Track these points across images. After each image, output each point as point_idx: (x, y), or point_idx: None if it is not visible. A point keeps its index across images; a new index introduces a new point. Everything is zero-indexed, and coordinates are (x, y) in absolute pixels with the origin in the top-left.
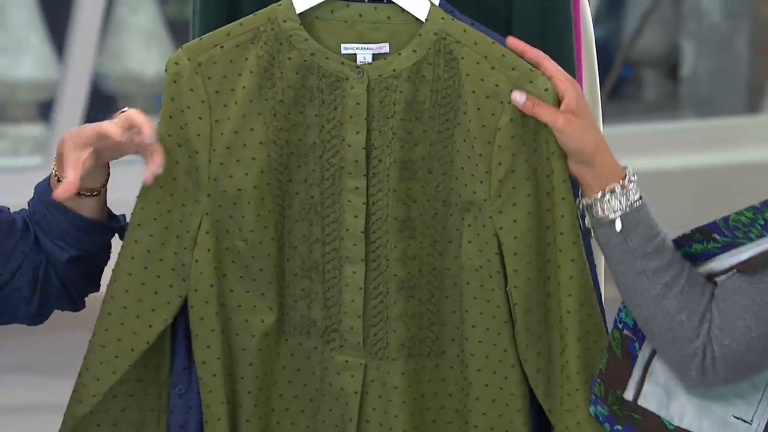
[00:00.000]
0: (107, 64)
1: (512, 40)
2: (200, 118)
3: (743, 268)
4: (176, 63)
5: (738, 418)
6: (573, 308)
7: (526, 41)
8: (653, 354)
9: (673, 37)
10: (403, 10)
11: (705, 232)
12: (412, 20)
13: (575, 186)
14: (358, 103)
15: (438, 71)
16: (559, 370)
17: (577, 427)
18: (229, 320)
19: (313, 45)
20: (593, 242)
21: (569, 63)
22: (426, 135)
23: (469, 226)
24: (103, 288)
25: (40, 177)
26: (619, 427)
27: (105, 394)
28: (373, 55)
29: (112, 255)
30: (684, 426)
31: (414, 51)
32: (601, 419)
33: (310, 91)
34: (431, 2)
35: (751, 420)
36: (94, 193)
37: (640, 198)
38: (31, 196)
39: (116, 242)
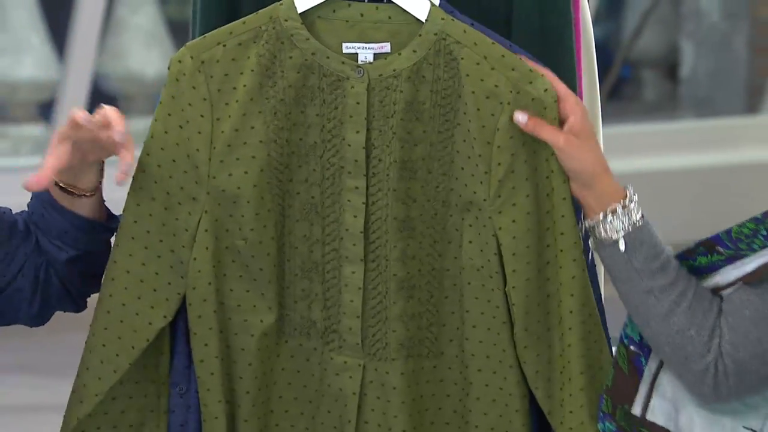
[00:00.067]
0: (108, 64)
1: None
2: (202, 116)
3: (749, 280)
4: (180, 61)
5: (748, 429)
6: (575, 308)
7: (526, 41)
8: (660, 367)
9: (673, 37)
10: (404, 10)
11: (708, 245)
12: (412, 20)
13: (577, 208)
14: (358, 103)
15: (438, 71)
16: (559, 372)
17: (581, 426)
18: (228, 320)
19: (314, 44)
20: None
21: (569, 63)
22: (426, 135)
23: (470, 226)
24: None
25: None
26: None
27: (105, 397)
28: (375, 54)
29: None
30: None
31: (414, 51)
32: None
33: (311, 90)
34: (432, 3)
35: (761, 430)
36: (88, 194)
37: (642, 217)
38: (31, 197)
39: None
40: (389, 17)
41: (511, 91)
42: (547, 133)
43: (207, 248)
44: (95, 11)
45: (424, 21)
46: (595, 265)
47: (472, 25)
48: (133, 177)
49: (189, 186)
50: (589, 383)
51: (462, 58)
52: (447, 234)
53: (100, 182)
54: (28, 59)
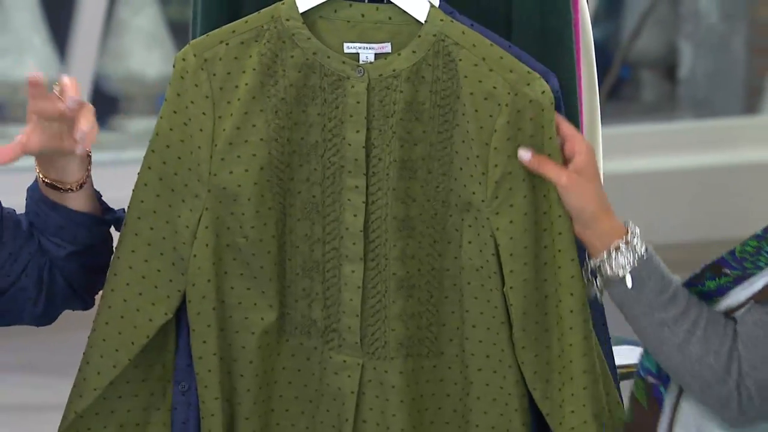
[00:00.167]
0: (109, 65)
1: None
2: (204, 114)
3: (759, 298)
4: (183, 59)
5: None
6: (576, 307)
7: (526, 42)
8: (680, 396)
9: (671, 38)
10: (404, 11)
11: (715, 269)
12: (412, 21)
13: (580, 248)
14: (358, 102)
15: (437, 72)
16: (558, 372)
17: (584, 426)
18: (229, 318)
19: (315, 44)
20: None
21: (569, 64)
22: (426, 135)
23: (470, 226)
24: None
25: None
26: None
27: (110, 395)
28: (376, 54)
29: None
30: None
31: (413, 52)
32: None
33: (313, 89)
34: (431, 4)
35: None
36: (75, 188)
37: (647, 250)
38: (26, 197)
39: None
40: (389, 18)
41: (509, 93)
42: (550, 170)
43: (207, 245)
44: (96, 12)
45: (423, 22)
46: (602, 305)
47: (472, 26)
48: (139, 173)
49: (192, 183)
50: (592, 382)
51: (460, 60)
52: (447, 234)
53: (87, 176)
54: (30, 60)
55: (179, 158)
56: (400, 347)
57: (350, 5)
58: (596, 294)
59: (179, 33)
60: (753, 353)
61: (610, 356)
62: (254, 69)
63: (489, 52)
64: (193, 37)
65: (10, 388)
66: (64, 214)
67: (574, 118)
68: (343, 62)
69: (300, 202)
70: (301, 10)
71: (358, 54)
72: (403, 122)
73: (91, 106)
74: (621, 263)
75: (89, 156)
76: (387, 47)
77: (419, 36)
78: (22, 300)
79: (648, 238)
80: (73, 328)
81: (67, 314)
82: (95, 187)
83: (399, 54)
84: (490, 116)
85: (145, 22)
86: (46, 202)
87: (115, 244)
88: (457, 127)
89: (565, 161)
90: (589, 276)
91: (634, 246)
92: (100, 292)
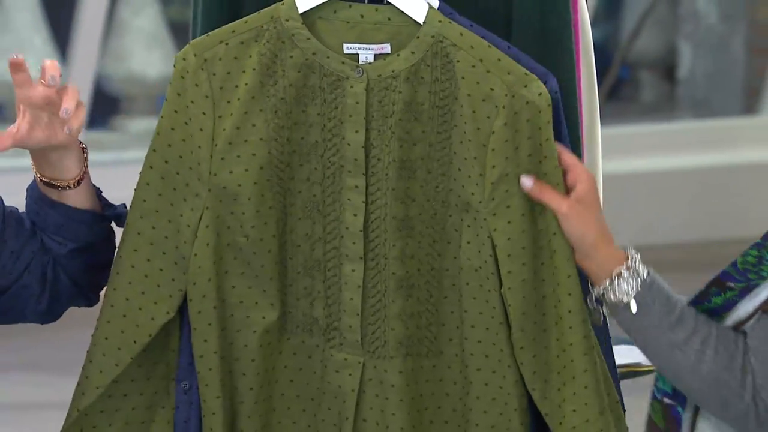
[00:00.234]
0: (110, 65)
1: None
2: (204, 114)
3: (766, 308)
4: (184, 59)
5: None
6: (575, 307)
7: (526, 43)
8: (696, 414)
9: (670, 38)
10: (403, 12)
11: (719, 284)
12: (411, 22)
13: (583, 278)
14: (357, 102)
15: (436, 73)
16: (557, 373)
17: (586, 425)
18: (231, 316)
19: (315, 44)
20: None
21: (568, 64)
22: (425, 135)
23: (468, 227)
24: None
25: None
26: None
27: (115, 393)
28: (375, 55)
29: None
30: None
31: (412, 53)
32: None
33: (312, 90)
34: (429, 5)
35: None
36: (72, 185)
37: (649, 274)
38: (26, 197)
39: (119, 234)
40: (389, 19)
41: (506, 95)
42: (551, 198)
43: (208, 244)
44: (97, 13)
45: (421, 23)
46: (608, 329)
47: (471, 27)
48: (141, 173)
49: (193, 182)
50: (594, 381)
51: (458, 61)
52: (446, 234)
53: (85, 173)
54: (31, 60)
55: (180, 157)
56: (399, 346)
57: (349, 6)
58: (603, 320)
59: (180, 33)
60: (765, 366)
61: (610, 355)
62: (254, 69)
63: (487, 53)
64: (194, 38)
65: (13, 387)
66: (63, 212)
67: (574, 119)
68: (343, 63)
69: (301, 202)
70: (300, 11)
71: (357, 55)
72: (402, 122)
73: (75, 88)
74: (624, 289)
75: (85, 152)
76: (386, 48)
77: (418, 37)
78: (25, 297)
79: (647, 238)
80: (75, 327)
81: (68, 312)
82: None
83: (398, 55)
84: (488, 118)
85: (146, 22)
86: (45, 200)
87: (117, 239)
88: (455, 128)
89: (567, 190)
90: (594, 304)
91: (636, 270)
92: (105, 289)
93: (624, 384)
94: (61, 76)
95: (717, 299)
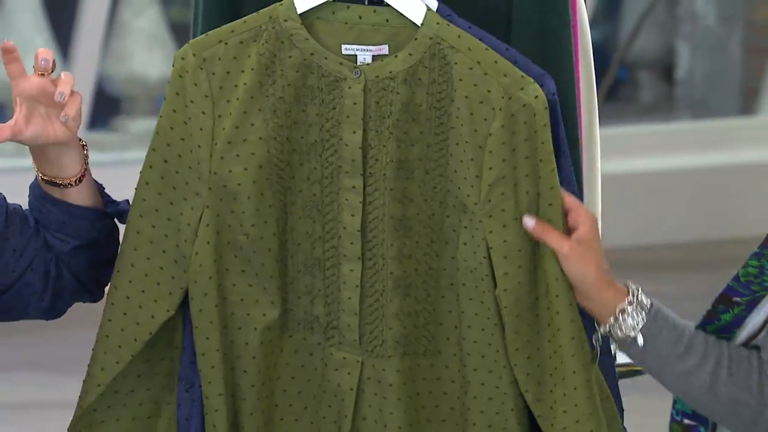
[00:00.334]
0: (111, 66)
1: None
2: (203, 113)
3: None
4: (183, 58)
5: None
6: (563, 309)
7: (525, 43)
8: (714, 429)
9: (669, 39)
10: (401, 13)
11: (725, 300)
12: (409, 24)
13: (584, 314)
14: (355, 103)
15: (433, 75)
16: (549, 374)
17: (576, 425)
18: (231, 314)
19: (313, 45)
20: None
21: (567, 65)
22: (423, 136)
23: (465, 228)
24: None
25: None
26: None
27: (122, 389)
28: (373, 56)
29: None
30: None
31: (410, 54)
32: None
33: (311, 90)
34: (428, 7)
35: None
36: (74, 183)
37: (653, 305)
38: (28, 195)
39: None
40: (387, 20)
41: (503, 97)
42: (552, 239)
43: (208, 243)
44: (99, 14)
45: (419, 25)
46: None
47: (469, 28)
48: (141, 172)
49: (193, 181)
50: (584, 382)
51: (455, 63)
52: (444, 234)
53: (86, 170)
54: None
55: (180, 156)
56: (397, 345)
57: (348, 7)
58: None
59: (181, 34)
60: None
61: (609, 355)
62: (252, 69)
63: (484, 55)
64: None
65: (15, 386)
66: (65, 209)
67: (573, 119)
68: (341, 63)
69: (301, 200)
70: (299, 11)
71: (355, 56)
72: (399, 123)
73: (69, 74)
74: (630, 324)
75: (85, 150)
76: (384, 49)
77: (416, 39)
78: (27, 295)
79: (646, 238)
80: (77, 325)
81: (70, 310)
82: None
83: (396, 56)
84: (485, 120)
85: (147, 23)
86: (47, 198)
87: (121, 236)
88: (452, 130)
89: (569, 231)
90: (600, 342)
91: (640, 303)
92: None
93: (623, 384)
94: (54, 61)
95: (726, 316)
